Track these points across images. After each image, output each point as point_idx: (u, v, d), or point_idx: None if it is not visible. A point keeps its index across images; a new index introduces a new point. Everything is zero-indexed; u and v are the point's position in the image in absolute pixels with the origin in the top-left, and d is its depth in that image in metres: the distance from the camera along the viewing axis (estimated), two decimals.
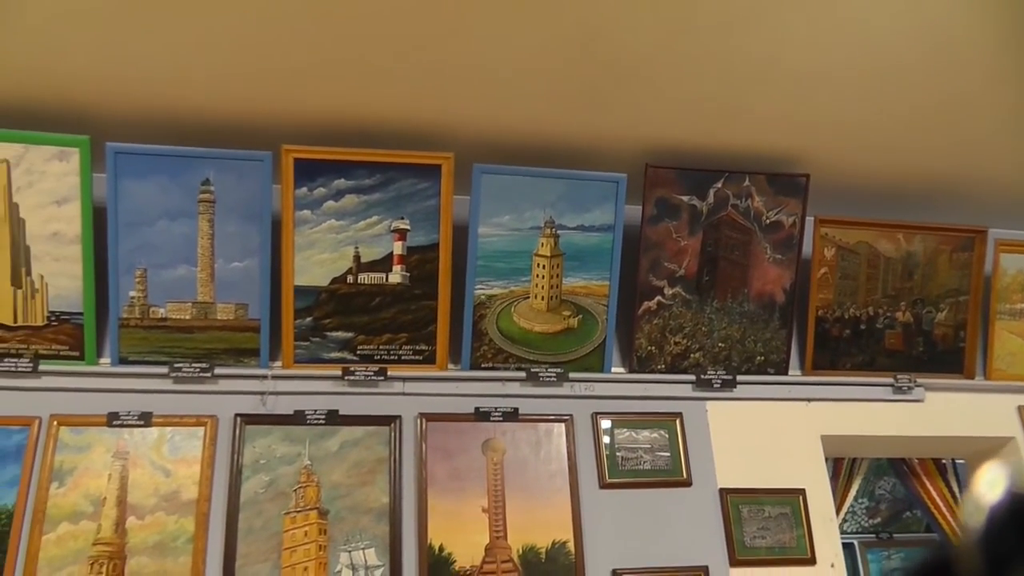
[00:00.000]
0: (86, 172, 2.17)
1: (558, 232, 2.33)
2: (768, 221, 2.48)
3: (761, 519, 2.38)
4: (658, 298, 2.44)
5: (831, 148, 2.44)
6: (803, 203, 2.48)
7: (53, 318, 2.23)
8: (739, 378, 2.51)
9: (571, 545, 2.22)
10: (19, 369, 2.21)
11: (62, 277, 2.22)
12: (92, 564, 2.07)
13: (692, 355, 2.49)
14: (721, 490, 2.38)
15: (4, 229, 2.19)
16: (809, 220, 2.53)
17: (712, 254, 2.46)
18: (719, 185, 2.42)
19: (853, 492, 3.85)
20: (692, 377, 2.48)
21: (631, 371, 2.46)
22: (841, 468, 3.77)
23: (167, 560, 2.09)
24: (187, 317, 2.24)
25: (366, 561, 2.12)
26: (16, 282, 2.21)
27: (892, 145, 2.45)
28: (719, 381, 2.49)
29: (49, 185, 2.18)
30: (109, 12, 1.86)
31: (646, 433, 2.39)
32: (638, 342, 2.45)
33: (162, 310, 2.24)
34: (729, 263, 2.48)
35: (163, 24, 1.89)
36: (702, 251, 2.45)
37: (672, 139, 2.34)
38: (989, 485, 0.67)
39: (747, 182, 2.44)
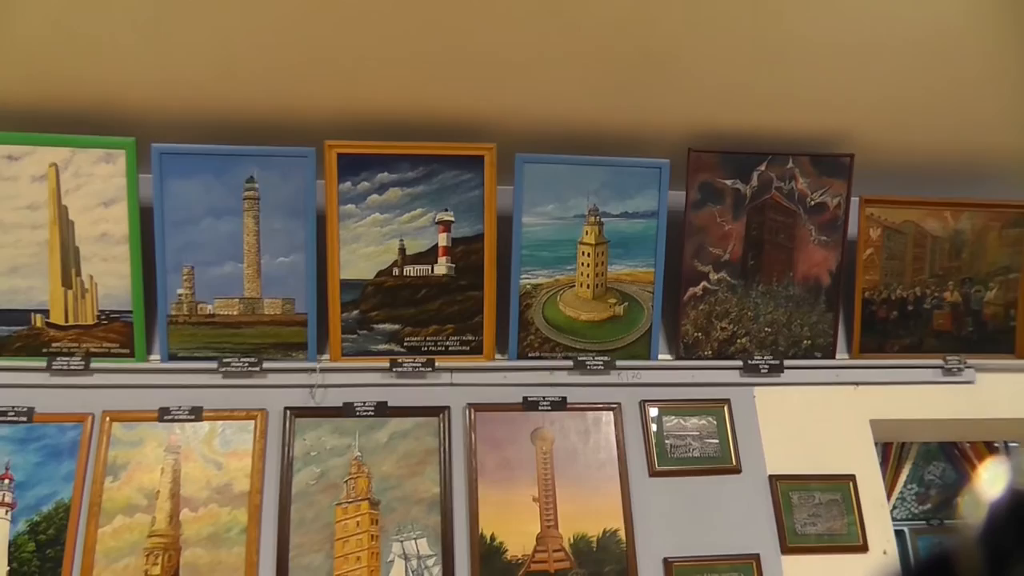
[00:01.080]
0: (132, 173, 2.24)
1: (602, 220, 2.35)
2: (812, 203, 2.48)
3: (811, 506, 2.39)
4: (703, 283, 2.46)
5: (875, 126, 2.43)
6: (847, 183, 2.48)
7: (103, 317, 2.31)
8: (786, 363, 2.51)
9: (622, 534, 2.25)
10: (71, 367, 2.29)
11: (111, 277, 2.29)
12: (148, 556, 2.15)
13: (739, 340, 2.51)
14: (770, 476, 2.39)
15: (54, 231, 2.27)
16: (854, 200, 2.52)
17: (757, 238, 2.47)
18: (762, 168, 2.43)
19: (903, 478, 3.84)
20: (739, 363, 2.49)
21: (678, 358, 2.48)
22: (890, 453, 3.77)
23: (221, 551, 2.16)
24: (235, 313, 2.30)
25: (418, 551, 2.17)
26: (67, 283, 2.29)
27: (938, 120, 2.42)
28: (766, 366, 2.50)
29: (97, 187, 2.25)
30: (150, 16, 1.91)
31: (694, 420, 2.42)
32: (684, 328, 2.47)
33: (210, 306, 2.30)
34: (774, 246, 2.49)
35: (204, 25, 1.94)
36: (746, 235, 2.46)
37: (714, 123, 2.35)
38: (990, 482, 0.68)
39: (791, 164, 2.44)
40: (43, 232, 2.26)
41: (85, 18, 1.92)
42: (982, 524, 0.66)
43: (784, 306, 2.52)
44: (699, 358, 2.49)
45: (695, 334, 2.48)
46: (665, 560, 2.25)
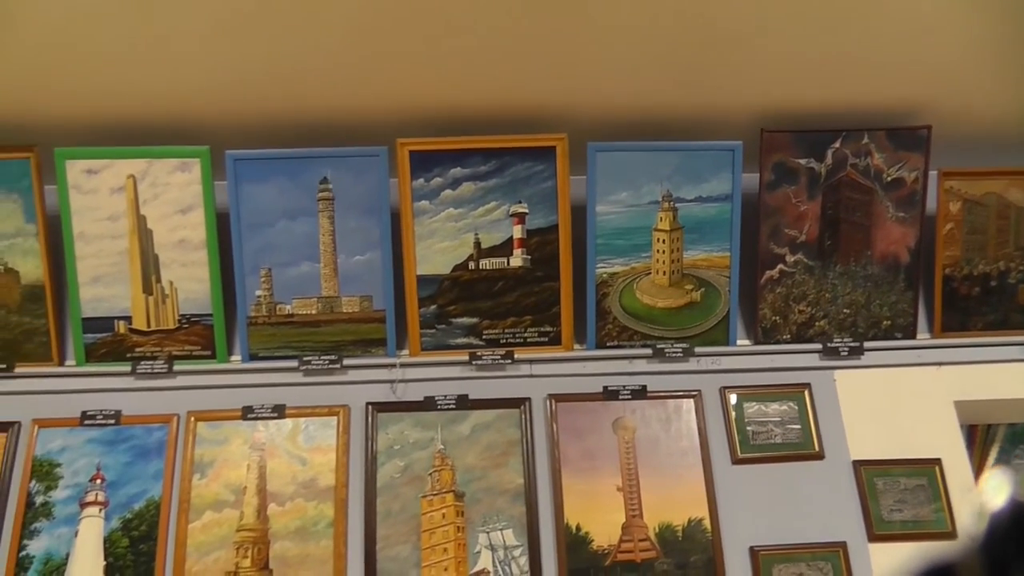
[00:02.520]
0: (208, 180, 2.35)
1: (676, 205, 2.39)
2: (889, 178, 2.48)
3: (897, 491, 2.39)
4: (780, 266, 2.48)
5: (953, 94, 2.40)
6: (925, 157, 2.46)
7: (184, 321, 2.42)
8: (866, 344, 2.51)
9: (707, 522, 2.29)
10: (155, 370, 2.41)
11: (190, 281, 2.40)
12: (237, 549, 2.26)
13: (817, 323, 2.52)
14: (854, 462, 2.40)
15: (134, 240, 2.39)
16: (932, 174, 2.50)
17: (833, 217, 2.48)
18: (837, 145, 2.43)
19: (990, 462, 3.79)
20: (818, 346, 2.50)
21: (756, 343, 2.50)
22: (976, 436, 3.71)
23: (309, 544, 2.26)
24: (313, 312, 2.40)
25: (504, 542, 2.24)
26: (147, 289, 2.41)
27: (1019, 84, 2.39)
28: (846, 349, 2.50)
29: (173, 195, 2.37)
30: (216, 25, 2.01)
31: (775, 406, 2.44)
32: (762, 312, 2.49)
33: (288, 307, 2.40)
34: (850, 225, 2.49)
35: (269, 31, 2.02)
36: (822, 215, 2.47)
37: (786, 101, 2.36)
38: (992, 492, 0.70)
39: (866, 139, 2.44)
40: (123, 242, 2.39)
41: (152, 33, 2.03)
42: (983, 534, 0.69)
43: (862, 286, 2.52)
44: (778, 342, 2.50)
45: (773, 318, 2.50)
46: (751, 549, 2.28)
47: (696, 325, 2.47)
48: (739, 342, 2.50)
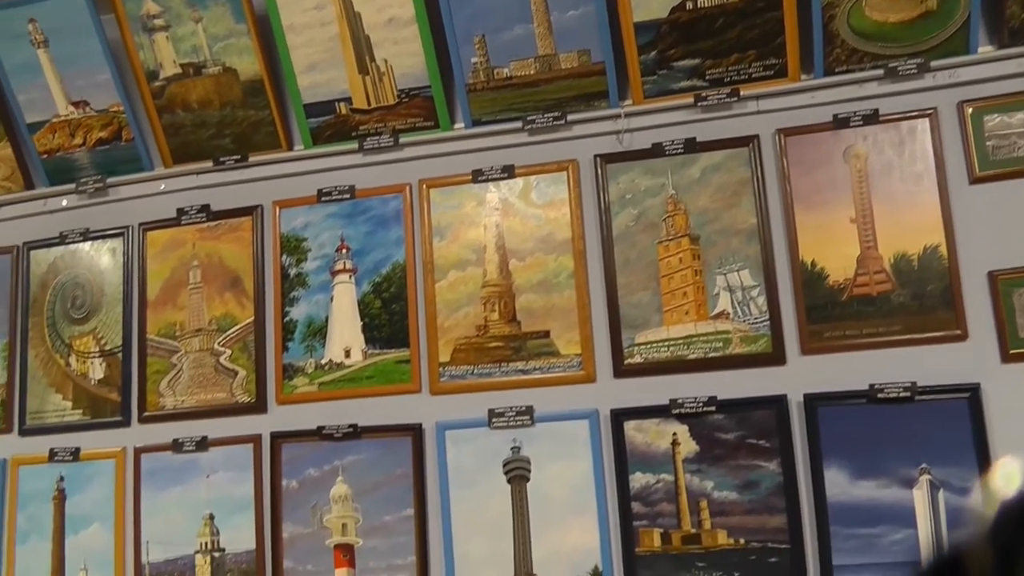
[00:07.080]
0: None
1: None
2: None
3: None
4: None
5: None
6: None
7: (403, 95, 2.73)
8: None
9: (943, 249, 2.38)
10: (382, 145, 2.76)
11: (404, 57, 2.67)
12: (484, 303, 2.66)
13: None
14: None
15: (343, 24, 2.66)
16: None
17: None
18: None
19: None
20: None
21: (1001, 47, 2.46)
22: None
23: (552, 295, 2.62)
24: (531, 72, 2.62)
25: (742, 282, 2.49)
26: (363, 69, 2.71)
27: None
28: None
29: None
30: None
31: (1020, 116, 2.43)
32: (1009, 11, 2.42)
33: (506, 70, 2.63)
34: None
35: None
36: None
37: None
38: (1004, 479, 0.77)
39: None
40: (332, 27, 2.67)
41: None
42: (994, 521, 0.75)
43: None
44: None
45: (1022, 15, 2.43)
46: (989, 274, 2.36)
47: (932, 37, 2.45)
48: (980, 49, 2.47)
